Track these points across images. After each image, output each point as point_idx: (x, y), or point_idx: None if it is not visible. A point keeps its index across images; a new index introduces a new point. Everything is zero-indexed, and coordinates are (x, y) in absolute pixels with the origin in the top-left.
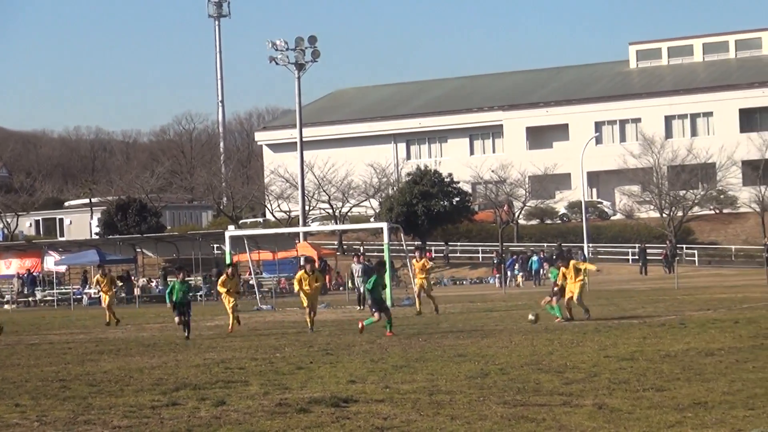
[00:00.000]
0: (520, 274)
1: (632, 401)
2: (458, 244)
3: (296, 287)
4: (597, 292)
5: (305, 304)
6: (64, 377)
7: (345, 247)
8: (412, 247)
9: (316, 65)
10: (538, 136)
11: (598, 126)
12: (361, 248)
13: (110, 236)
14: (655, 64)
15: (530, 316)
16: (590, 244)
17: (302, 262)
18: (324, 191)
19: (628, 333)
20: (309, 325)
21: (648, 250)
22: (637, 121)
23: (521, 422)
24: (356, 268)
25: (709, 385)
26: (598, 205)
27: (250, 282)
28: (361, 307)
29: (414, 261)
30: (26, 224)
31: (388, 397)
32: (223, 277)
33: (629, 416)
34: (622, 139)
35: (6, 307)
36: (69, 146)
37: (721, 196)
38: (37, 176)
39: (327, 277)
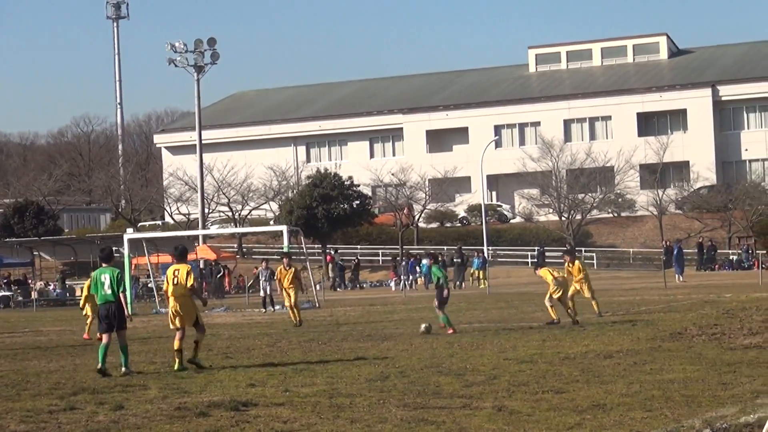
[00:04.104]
0: (419, 276)
1: (532, 403)
2: (358, 246)
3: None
4: (497, 295)
5: (287, 303)
6: None
7: (245, 250)
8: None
9: (216, 67)
10: (438, 140)
11: (498, 129)
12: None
13: (7, 239)
14: (554, 68)
15: (422, 327)
16: (490, 247)
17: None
18: (224, 194)
19: (528, 336)
20: (295, 319)
21: (546, 253)
22: (536, 124)
23: (421, 425)
24: (264, 272)
25: (607, 387)
26: (498, 209)
27: (149, 285)
28: (264, 310)
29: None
30: None
31: (288, 400)
32: None
33: (529, 418)
34: (522, 142)
35: None
36: None
37: (620, 200)
38: None
39: (226, 279)
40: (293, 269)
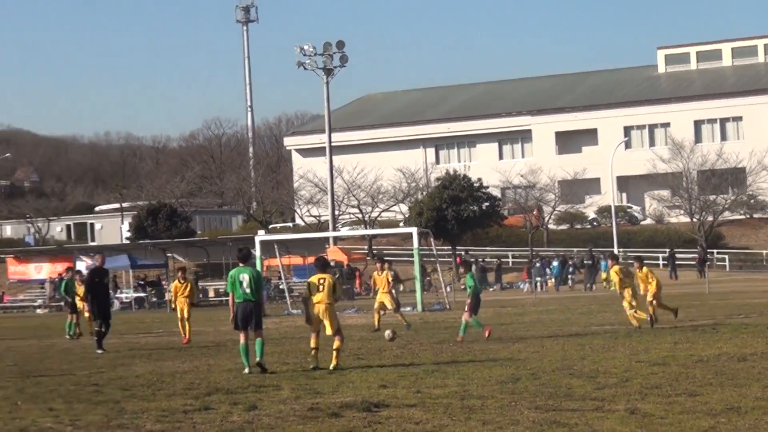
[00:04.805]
0: (551, 278)
1: (665, 406)
2: (488, 248)
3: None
4: None
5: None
6: (97, 381)
7: (374, 251)
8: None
9: (345, 70)
10: (567, 141)
11: (627, 131)
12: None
13: (141, 241)
14: (684, 69)
15: (386, 334)
16: (620, 249)
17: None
18: (353, 196)
19: (660, 338)
20: (403, 320)
21: (677, 255)
22: (666, 125)
23: (553, 427)
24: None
25: (741, 391)
26: (628, 210)
27: (281, 287)
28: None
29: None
30: (57, 229)
31: (420, 401)
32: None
33: (662, 421)
34: (651, 143)
35: (38, 311)
36: (99, 151)
37: (752, 201)
38: (68, 181)
39: (357, 281)
40: (387, 272)
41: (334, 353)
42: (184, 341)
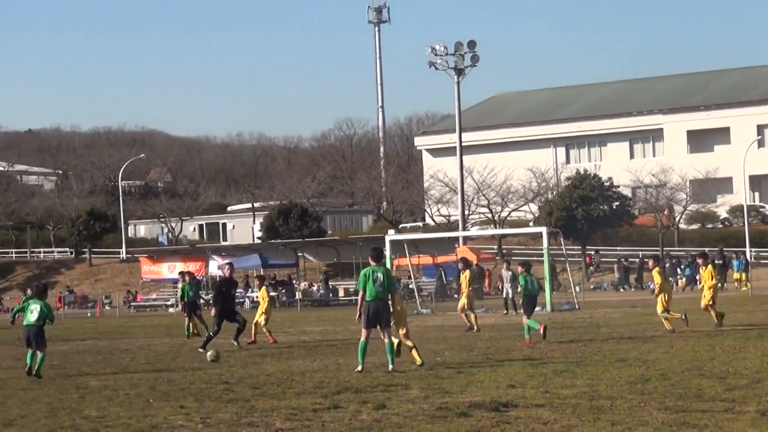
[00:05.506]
0: (681, 278)
1: None
2: (618, 248)
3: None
4: (760, 298)
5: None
6: (228, 380)
7: (504, 251)
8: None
9: (475, 70)
10: (699, 140)
11: (761, 129)
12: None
13: (272, 240)
14: None
15: (208, 355)
16: (752, 249)
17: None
18: (483, 195)
19: None
20: (468, 323)
21: None
22: None
23: (683, 428)
24: (506, 274)
25: None
26: (761, 210)
27: (410, 286)
28: (507, 312)
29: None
30: (190, 229)
31: (548, 402)
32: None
33: None
34: None
35: (170, 310)
36: (232, 152)
37: None
38: (201, 181)
39: (486, 281)
40: (467, 273)
41: (397, 347)
42: (270, 342)
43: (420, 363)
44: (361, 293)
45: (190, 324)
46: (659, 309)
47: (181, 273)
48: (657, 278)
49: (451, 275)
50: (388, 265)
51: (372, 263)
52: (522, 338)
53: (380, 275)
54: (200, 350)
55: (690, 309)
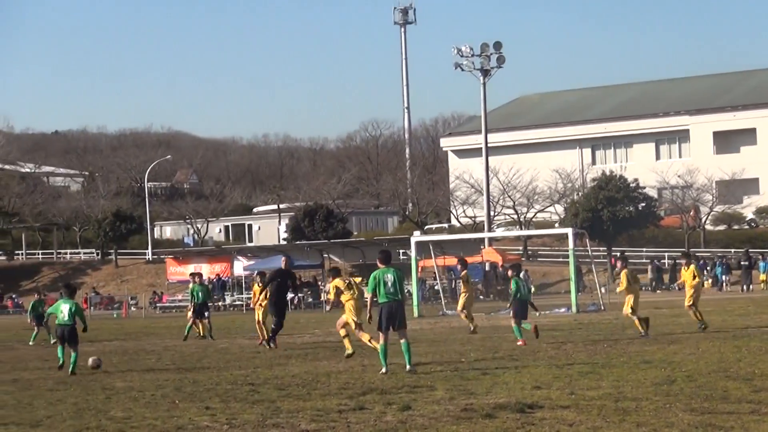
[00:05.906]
0: (707, 279)
1: None
2: (644, 249)
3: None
4: None
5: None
6: (253, 381)
7: (530, 252)
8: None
9: (501, 71)
10: (725, 141)
11: None
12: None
13: (298, 242)
14: None
15: (90, 361)
16: None
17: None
18: (509, 197)
19: None
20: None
21: None
22: None
23: (709, 430)
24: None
25: None
26: None
27: (435, 287)
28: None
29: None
30: (216, 230)
31: (574, 403)
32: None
33: None
34: None
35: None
36: (257, 153)
37: None
38: (227, 183)
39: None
40: (464, 274)
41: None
42: (258, 342)
43: (350, 352)
44: (370, 295)
45: (193, 326)
46: (626, 310)
47: (192, 274)
48: (624, 281)
49: (476, 276)
50: (414, 267)
51: (381, 265)
52: (525, 340)
53: (391, 276)
54: (268, 346)
55: (715, 311)
